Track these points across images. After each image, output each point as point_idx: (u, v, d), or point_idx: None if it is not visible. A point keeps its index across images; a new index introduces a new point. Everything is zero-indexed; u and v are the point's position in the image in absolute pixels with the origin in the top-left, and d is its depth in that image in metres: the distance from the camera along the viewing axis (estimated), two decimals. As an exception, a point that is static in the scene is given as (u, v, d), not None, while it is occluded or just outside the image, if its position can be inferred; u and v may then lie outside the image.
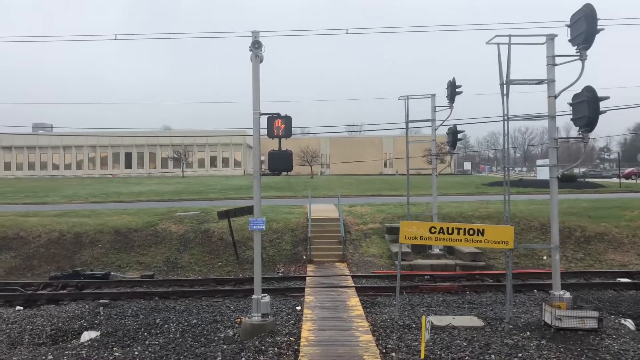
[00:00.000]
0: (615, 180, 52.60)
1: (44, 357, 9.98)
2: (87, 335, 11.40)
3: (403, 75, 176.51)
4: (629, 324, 11.18)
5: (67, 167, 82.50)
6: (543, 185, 37.92)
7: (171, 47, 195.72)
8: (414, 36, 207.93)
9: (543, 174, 46.02)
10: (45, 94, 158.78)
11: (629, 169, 65.85)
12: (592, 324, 10.00)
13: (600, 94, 9.94)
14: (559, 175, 10.86)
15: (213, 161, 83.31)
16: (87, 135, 76.29)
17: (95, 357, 9.81)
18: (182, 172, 73.27)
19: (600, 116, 10.09)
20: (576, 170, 65.65)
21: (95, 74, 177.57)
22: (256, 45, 10.71)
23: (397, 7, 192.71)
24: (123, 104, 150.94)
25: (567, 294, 10.57)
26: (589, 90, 10.01)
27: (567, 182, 41.50)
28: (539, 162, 64.69)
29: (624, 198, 28.31)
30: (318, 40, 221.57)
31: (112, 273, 17.90)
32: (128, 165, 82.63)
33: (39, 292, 15.41)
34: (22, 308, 13.96)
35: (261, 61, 10.89)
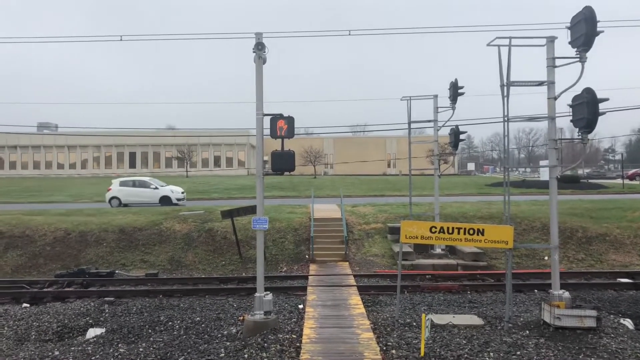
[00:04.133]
0: (619, 181, 52.53)
1: (50, 353, 10.14)
2: (92, 332, 11.57)
3: (407, 76, 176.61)
4: (628, 323, 11.27)
5: (72, 166, 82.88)
6: (546, 185, 37.76)
7: (173, 50, 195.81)
8: (416, 37, 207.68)
9: (546, 174, 46.00)
10: (48, 94, 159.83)
11: (633, 170, 65.76)
12: (591, 323, 10.09)
13: (600, 95, 10.04)
14: (559, 176, 10.97)
15: (217, 161, 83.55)
16: (92, 135, 76.70)
17: (101, 353, 9.97)
18: (186, 171, 73.51)
19: (603, 117, 10.18)
20: (580, 171, 65.53)
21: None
22: (259, 47, 10.85)
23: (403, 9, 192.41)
24: (124, 104, 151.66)
25: (566, 294, 10.67)
26: (589, 92, 10.10)
27: (570, 183, 41.48)
28: (541, 162, 64.61)
29: (626, 199, 28.36)
30: (321, 42, 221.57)
31: (117, 271, 18.11)
32: (132, 164, 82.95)
33: (45, 289, 15.61)
34: (28, 305, 14.16)
35: (264, 62, 11.03)
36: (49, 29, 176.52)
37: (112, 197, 30.58)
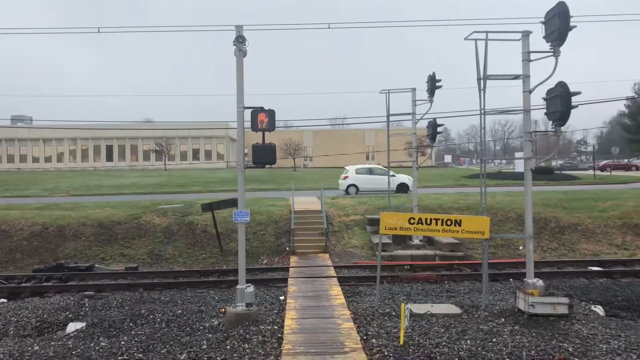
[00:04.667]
0: (591, 172, 53.81)
1: (30, 348, 10.04)
2: (72, 327, 11.52)
3: (386, 69, 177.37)
4: (599, 310, 11.68)
5: (48, 159, 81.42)
6: (521, 177, 38.38)
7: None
8: (393, 31, 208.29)
9: (521, 166, 46.89)
10: (23, 87, 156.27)
11: (604, 162, 67.45)
12: (563, 310, 10.44)
13: (573, 88, 10.33)
14: (533, 168, 11.26)
15: (195, 154, 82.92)
16: (68, 128, 75.35)
17: (82, 347, 9.94)
18: (165, 164, 72.82)
19: (576, 110, 10.48)
20: (554, 163, 66.92)
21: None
22: (240, 40, 10.87)
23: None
24: (101, 97, 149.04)
25: (540, 282, 11.00)
26: (562, 86, 10.39)
27: (544, 174, 42.39)
28: (517, 154, 65.73)
29: (597, 190, 29.14)
30: (300, 35, 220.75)
31: (96, 265, 17.97)
32: (109, 158, 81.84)
33: (23, 284, 15.43)
34: (6, 300, 13.98)
35: (245, 55, 11.05)
36: (25, 20, 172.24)
37: (350, 185, 30.25)
